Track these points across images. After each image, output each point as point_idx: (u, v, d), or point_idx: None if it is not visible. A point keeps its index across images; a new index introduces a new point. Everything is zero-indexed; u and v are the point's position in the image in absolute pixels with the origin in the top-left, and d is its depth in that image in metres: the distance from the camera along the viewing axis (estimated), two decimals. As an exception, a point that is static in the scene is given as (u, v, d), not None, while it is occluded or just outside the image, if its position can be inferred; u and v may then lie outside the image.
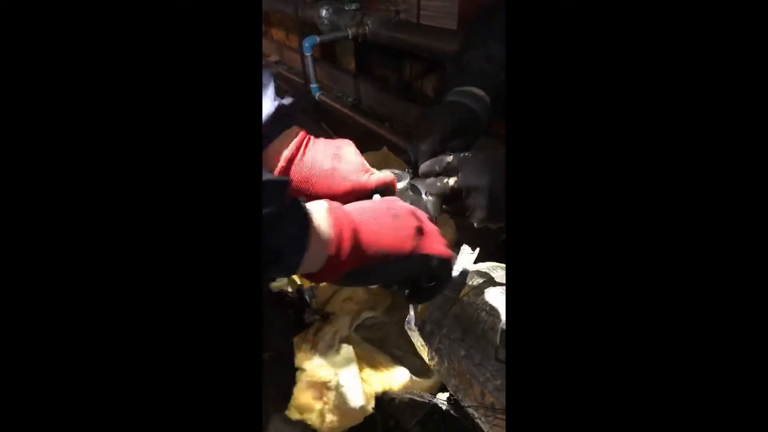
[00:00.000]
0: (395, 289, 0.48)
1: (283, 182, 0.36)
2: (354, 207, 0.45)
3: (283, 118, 0.62)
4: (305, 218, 0.38)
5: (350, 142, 0.63)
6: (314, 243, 0.37)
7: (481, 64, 0.70)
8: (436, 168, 0.58)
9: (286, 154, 0.60)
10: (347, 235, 0.39)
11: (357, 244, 0.40)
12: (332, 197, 0.58)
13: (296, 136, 0.62)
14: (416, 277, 0.45)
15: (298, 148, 0.62)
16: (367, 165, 0.62)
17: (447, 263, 0.46)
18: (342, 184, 0.58)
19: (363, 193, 0.58)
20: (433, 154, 0.61)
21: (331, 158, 0.60)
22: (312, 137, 0.64)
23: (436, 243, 0.45)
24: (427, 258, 0.44)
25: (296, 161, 0.61)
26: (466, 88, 0.67)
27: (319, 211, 0.39)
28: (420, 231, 0.44)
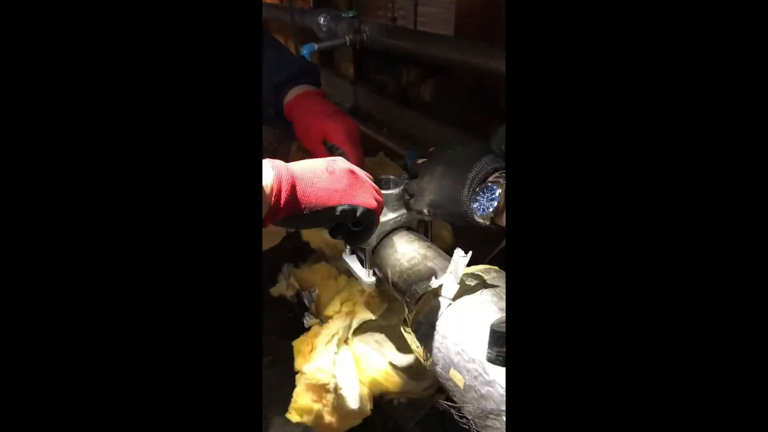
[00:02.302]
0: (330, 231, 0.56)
1: None
2: (296, 163, 0.51)
3: (306, 75, 0.80)
4: None
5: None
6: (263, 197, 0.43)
7: None
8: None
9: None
10: (285, 191, 0.45)
11: (293, 197, 0.47)
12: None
13: (317, 91, 0.79)
14: (344, 223, 0.54)
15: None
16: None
17: (370, 213, 0.53)
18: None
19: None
20: None
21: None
22: None
23: (362, 196, 0.53)
24: (353, 208, 0.51)
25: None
26: None
27: (264, 169, 0.45)
28: (351, 186, 0.52)
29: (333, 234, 0.57)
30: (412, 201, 0.65)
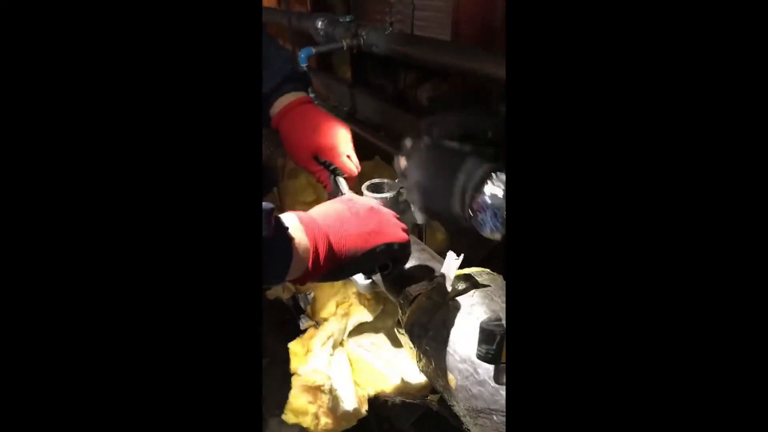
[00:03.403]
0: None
1: (268, 210, 0.40)
2: (320, 214, 0.49)
3: (295, 82, 0.75)
4: (287, 241, 0.43)
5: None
6: (296, 259, 0.43)
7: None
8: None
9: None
10: (322, 248, 0.45)
11: (330, 252, 0.46)
12: None
13: (305, 99, 0.74)
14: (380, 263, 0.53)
15: None
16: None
17: (405, 246, 0.53)
18: None
19: None
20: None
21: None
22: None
23: (394, 230, 0.52)
24: (390, 246, 0.51)
25: None
26: None
27: (296, 229, 0.44)
28: (380, 224, 0.51)
29: (367, 275, 0.56)
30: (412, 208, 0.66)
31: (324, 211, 0.50)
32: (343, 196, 0.55)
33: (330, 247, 0.46)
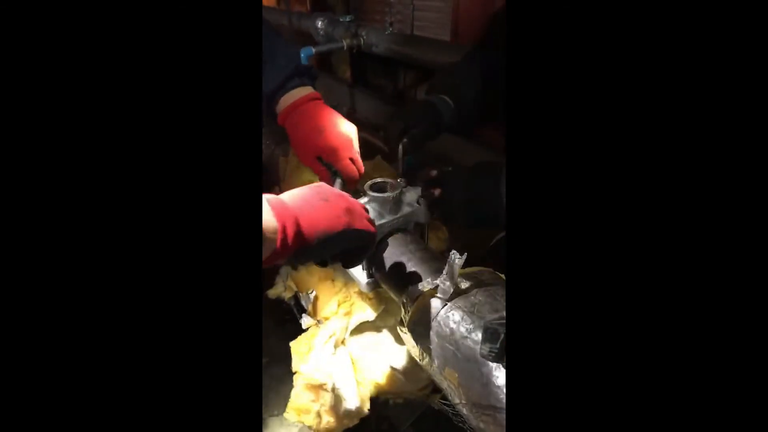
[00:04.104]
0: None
1: None
2: (290, 197, 0.51)
3: (301, 77, 0.76)
4: None
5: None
6: (263, 239, 0.43)
7: (461, 80, 0.83)
8: (423, 179, 0.71)
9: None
10: (290, 228, 0.45)
11: (299, 233, 0.46)
12: None
13: (311, 96, 0.75)
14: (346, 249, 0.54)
15: None
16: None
17: (372, 235, 0.55)
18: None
19: None
20: (400, 136, 0.76)
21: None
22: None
23: (361, 219, 0.53)
24: (358, 232, 0.52)
25: None
26: (440, 95, 0.81)
27: (264, 211, 0.44)
28: (348, 210, 0.52)
29: (327, 262, 0.56)
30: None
31: (294, 194, 0.51)
32: (313, 183, 0.55)
33: (299, 229, 0.47)
